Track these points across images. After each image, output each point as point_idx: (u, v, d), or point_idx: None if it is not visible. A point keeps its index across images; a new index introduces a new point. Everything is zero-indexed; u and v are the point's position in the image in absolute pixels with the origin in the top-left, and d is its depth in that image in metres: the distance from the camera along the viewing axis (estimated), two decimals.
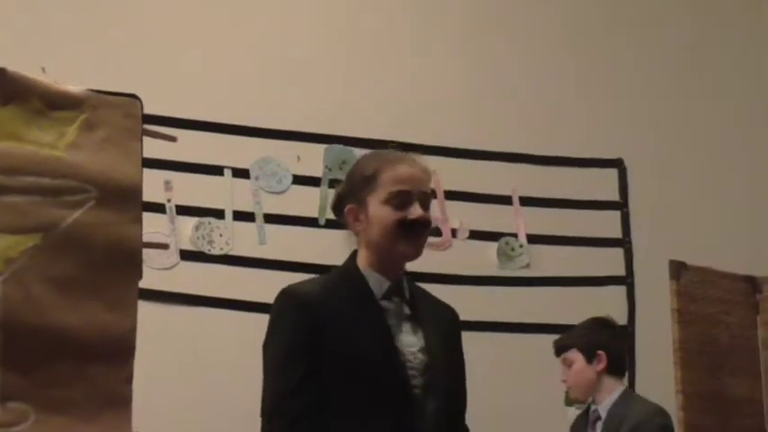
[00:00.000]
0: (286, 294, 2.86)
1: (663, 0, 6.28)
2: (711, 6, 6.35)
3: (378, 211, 2.87)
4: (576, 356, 4.31)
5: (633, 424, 4.15)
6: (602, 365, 4.29)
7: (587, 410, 4.37)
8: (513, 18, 6.03)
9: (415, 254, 2.90)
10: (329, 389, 2.74)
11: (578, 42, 6.08)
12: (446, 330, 2.98)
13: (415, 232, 2.86)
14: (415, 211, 2.85)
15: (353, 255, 2.96)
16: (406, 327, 2.88)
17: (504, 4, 6.05)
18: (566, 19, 6.10)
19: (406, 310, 2.91)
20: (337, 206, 3.00)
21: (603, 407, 4.26)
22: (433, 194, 2.94)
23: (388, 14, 5.83)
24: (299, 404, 2.72)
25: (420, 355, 2.84)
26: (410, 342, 2.85)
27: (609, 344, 4.32)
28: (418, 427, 2.78)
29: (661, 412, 4.23)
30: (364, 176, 2.92)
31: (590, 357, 4.29)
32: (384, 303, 2.88)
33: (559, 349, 4.37)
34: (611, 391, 4.28)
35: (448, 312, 3.09)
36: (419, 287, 3.02)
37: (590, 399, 4.34)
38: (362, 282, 2.89)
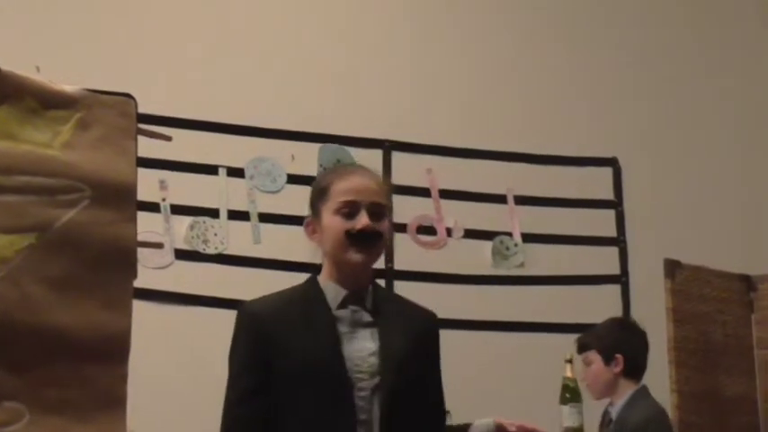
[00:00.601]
0: (240, 310, 3.03)
1: (660, 1, 6.28)
2: (708, 5, 6.35)
3: (329, 221, 3.00)
4: (594, 357, 4.33)
5: (635, 425, 4.18)
6: (619, 368, 4.30)
7: (604, 412, 4.40)
8: (509, 18, 6.04)
9: (365, 262, 3.01)
10: (277, 396, 2.90)
11: (573, 41, 6.08)
12: (417, 335, 3.06)
13: (363, 241, 2.97)
14: (362, 220, 2.97)
15: (318, 269, 3.10)
16: (363, 333, 2.99)
17: (500, 3, 6.05)
18: (561, 18, 6.10)
19: (366, 318, 3.01)
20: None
21: (616, 409, 4.28)
22: (385, 208, 3.04)
23: (383, 14, 5.84)
24: (245, 413, 2.92)
25: (371, 359, 2.94)
26: (362, 347, 2.96)
27: (627, 347, 4.34)
28: (361, 428, 2.89)
29: (656, 419, 4.26)
30: (319, 189, 3.08)
31: (608, 359, 4.31)
32: (339, 312, 3.00)
33: (581, 348, 4.39)
34: (624, 393, 4.29)
35: (424, 318, 3.17)
36: (394, 294, 3.24)
37: (607, 399, 4.37)
38: (317, 293, 3.03)
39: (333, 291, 3.02)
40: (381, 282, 5.29)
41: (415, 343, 3.03)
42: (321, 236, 3.04)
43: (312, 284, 3.07)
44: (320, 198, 3.05)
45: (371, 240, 2.99)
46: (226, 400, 2.95)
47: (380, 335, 2.99)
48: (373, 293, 3.07)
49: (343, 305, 3.01)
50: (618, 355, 4.30)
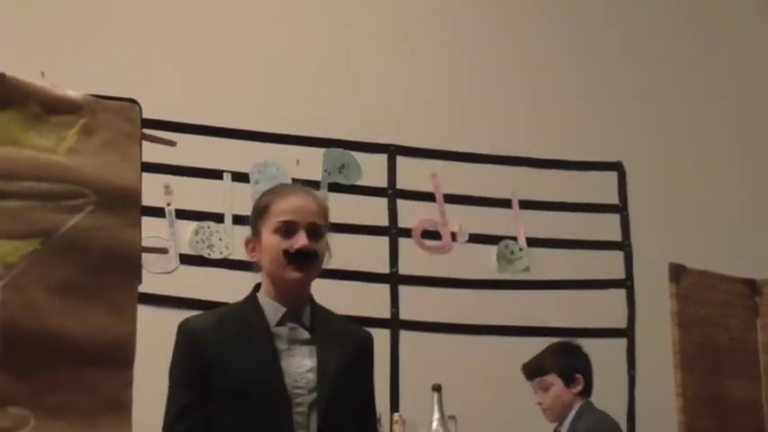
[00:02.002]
0: (180, 327, 3.11)
1: (663, 3, 6.28)
2: (711, 8, 6.35)
3: (267, 240, 3.10)
4: (554, 380, 4.38)
5: None
6: (578, 388, 4.37)
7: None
8: (513, 22, 6.04)
9: (302, 280, 3.09)
10: (215, 413, 2.98)
11: (577, 45, 6.08)
12: (353, 354, 3.14)
13: (300, 260, 3.05)
14: (300, 240, 3.05)
15: (257, 286, 3.19)
16: (301, 350, 3.06)
17: (502, 8, 6.05)
18: (565, 22, 6.10)
19: (304, 335, 3.09)
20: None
21: (565, 426, 4.33)
22: (323, 228, 3.14)
23: (387, 18, 5.84)
24: (182, 428, 2.98)
25: (309, 375, 3.02)
26: (300, 364, 3.03)
27: (583, 366, 4.43)
28: None
29: (610, 427, 4.30)
30: (259, 208, 3.18)
31: (568, 381, 4.36)
32: (277, 329, 3.07)
33: (536, 373, 4.42)
34: (574, 409, 4.34)
35: (359, 337, 3.25)
36: (332, 314, 3.22)
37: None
38: (256, 310, 3.11)
39: (271, 308, 3.10)
40: (386, 287, 5.34)
41: (350, 360, 3.11)
42: (260, 254, 3.14)
43: (251, 301, 3.15)
44: (260, 217, 3.14)
45: (308, 259, 3.06)
46: (165, 417, 3.02)
47: (318, 352, 3.06)
48: (311, 311, 3.14)
49: (281, 322, 3.08)
50: (578, 376, 4.36)
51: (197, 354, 3.01)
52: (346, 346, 3.13)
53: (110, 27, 5.27)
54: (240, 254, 5.17)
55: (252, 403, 2.95)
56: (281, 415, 2.96)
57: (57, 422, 2.50)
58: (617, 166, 5.93)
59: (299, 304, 3.12)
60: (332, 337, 3.12)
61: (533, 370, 4.44)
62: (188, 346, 3.05)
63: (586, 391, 4.39)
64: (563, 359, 4.42)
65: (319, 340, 3.09)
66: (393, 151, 5.58)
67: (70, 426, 2.51)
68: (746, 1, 6.42)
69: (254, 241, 3.17)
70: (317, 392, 3.00)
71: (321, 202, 3.20)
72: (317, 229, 3.10)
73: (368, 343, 3.26)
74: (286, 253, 3.05)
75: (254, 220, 3.18)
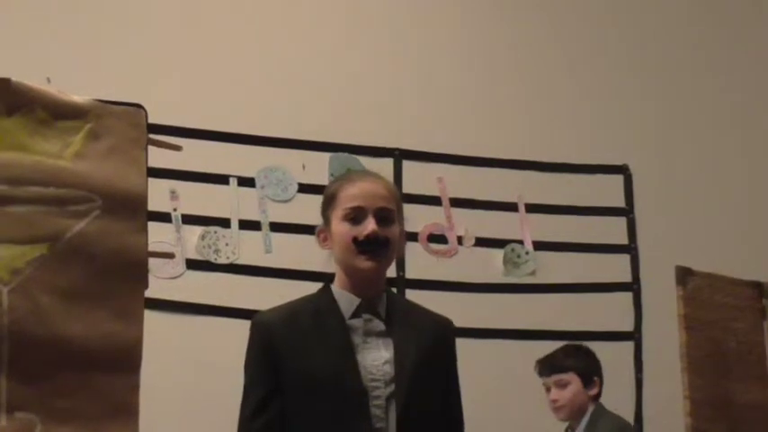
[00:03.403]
0: (252, 322, 3.02)
1: (669, 5, 6.27)
2: (718, 10, 6.34)
3: (337, 228, 3.00)
4: (572, 379, 4.37)
5: None
6: (595, 391, 4.38)
7: None
8: (519, 25, 6.03)
9: (374, 269, 2.99)
10: (291, 407, 2.91)
11: (583, 49, 6.08)
12: (432, 343, 3.05)
13: (370, 248, 2.95)
14: (369, 226, 2.95)
15: (331, 277, 3.08)
16: (376, 342, 2.98)
17: (508, 12, 6.05)
18: (571, 27, 6.10)
19: (380, 327, 3.00)
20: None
21: (580, 429, 4.32)
22: (394, 213, 3.03)
23: (393, 23, 5.84)
24: (260, 424, 2.91)
25: (385, 368, 2.94)
26: (376, 356, 2.95)
27: (599, 371, 4.41)
28: None
29: (625, 428, 4.31)
30: (328, 196, 3.07)
31: (586, 382, 4.37)
32: (352, 321, 2.99)
33: (555, 369, 4.41)
34: (588, 412, 4.34)
35: (439, 326, 3.16)
36: (409, 302, 3.22)
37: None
38: (330, 302, 3.02)
39: (346, 299, 3.01)
40: (393, 290, 5.33)
41: (429, 350, 3.02)
42: (331, 244, 3.03)
43: (325, 293, 3.05)
44: (329, 205, 3.04)
45: (379, 246, 2.96)
46: (241, 412, 2.96)
47: (395, 343, 2.97)
48: (387, 301, 3.05)
49: (356, 314, 3.00)
50: (596, 379, 4.37)
51: (270, 348, 2.95)
52: (425, 336, 3.04)
53: (116, 32, 5.27)
54: (247, 258, 5.22)
55: (328, 397, 2.88)
56: (359, 408, 2.89)
57: (64, 427, 2.50)
58: (623, 170, 5.93)
59: (373, 294, 3.02)
60: (409, 327, 3.03)
61: (552, 366, 4.43)
62: (261, 340, 2.98)
63: (599, 396, 4.40)
64: (583, 360, 4.43)
65: (396, 331, 3.00)
66: (399, 155, 5.58)
67: (77, 430, 2.52)
68: (754, 4, 6.41)
69: (324, 231, 3.06)
70: (395, 384, 2.92)
71: (391, 186, 3.10)
72: (388, 215, 3.00)
73: (448, 331, 3.17)
74: (355, 240, 2.95)
75: (324, 208, 3.08)
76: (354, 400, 2.89)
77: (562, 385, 4.38)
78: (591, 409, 4.35)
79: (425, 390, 2.97)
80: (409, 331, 3.02)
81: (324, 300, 3.04)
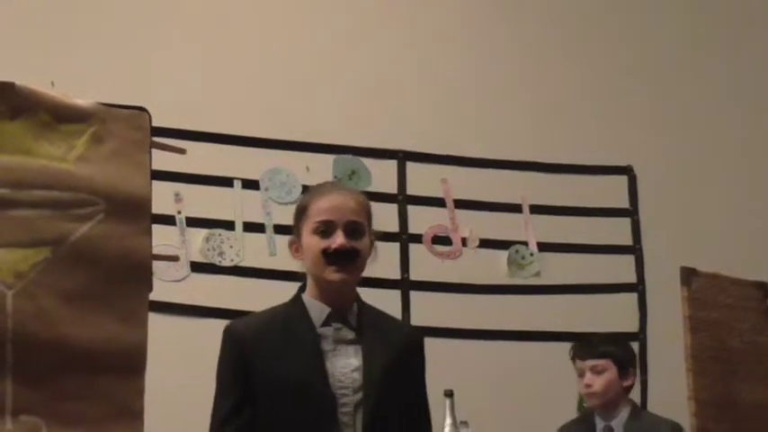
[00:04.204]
0: (225, 331, 3.09)
1: (672, 6, 6.27)
2: (722, 11, 6.33)
3: (307, 240, 3.08)
4: (609, 366, 4.29)
5: None
6: (630, 382, 4.31)
7: (586, 421, 4.36)
8: (522, 27, 6.03)
9: (343, 280, 3.06)
10: (262, 414, 2.97)
11: (586, 50, 6.07)
12: (401, 352, 3.12)
13: (340, 260, 3.03)
14: (337, 239, 3.03)
15: (302, 286, 3.16)
16: (346, 350, 3.05)
17: (511, 13, 6.04)
18: (573, 26, 6.09)
19: (350, 335, 3.07)
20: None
21: (617, 423, 4.25)
22: (363, 226, 3.11)
23: (397, 25, 5.84)
24: (230, 431, 2.97)
25: (354, 375, 3.00)
26: (345, 364, 3.02)
27: (635, 364, 4.36)
28: None
29: (679, 428, 4.26)
30: (299, 209, 3.16)
31: (622, 372, 4.30)
32: (323, 330, 3.05)
33: (594, 355, 4.33)
34: (623, 407, 4.28)
35: (407, 335, 3.25)
36: (379, 312, 3.20)
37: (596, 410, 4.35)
38: (301, 311, 3.09)
39: (317, 308, 3.08)
40: (397, 292, 5.34)
41: (398, 360, 3.09)
42: (302, 255, 3.12)
43: (297, 302, 3.13)
44: (300, 218, 3.12)
45: (348, 259, 3.04)
46: (212, 419, 3.02)
47: (364, 351, 3.04)
48: (358, 311, 3.12)
49: (326, 323, 3.07)
50: (632, 370, 4.32)
51: (242, 356, 3.01)
52: (393, 346, 3.10)
53: (119, 35, 5.28)
54: (251, 261, 5.22)
55: (297, 404, 2.94)
56: (327, 415, 2.95)
57: (68, 430, 2.50)
58: (627, 170, 5.92)
59: (344, 304, 3.10)
60: (378, 336, 3.09)
61: (590, 351, 4.33)
62: (233, 348, 3.04)
63: (631, 389, 4.34)
64: (622, 350, 4.36)
65: (365, 340, 3.06)
66: (403, 157, 5.58)
67: None
68: (756, 4, 6.41)
69: (296, 242, 3.14)
70: (363, 392, 2.98)
71: (361, 199, 3.17)
72: (357, 227, 3.08)
73: (415, 341, 3.23)
74: (325, 253, 3.02)
75: (295, 221, 3.16)
76: (323, 406, 2.95)
77: (598, 371, 4.27)
78: (626, 404, 4.29)
79: (393, 398, 3.03)
80: (378, 340, 3.08)
81: (295, 309, 3.11)
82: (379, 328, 3.13)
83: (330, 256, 3.02)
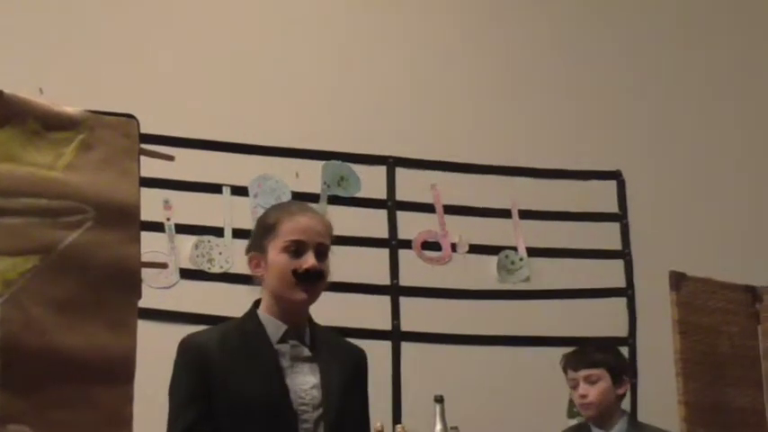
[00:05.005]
0: (181, 345, 3.13)
1: (659, 10, 6.28)
2: (711, 15, 6.35)
3: (275, 258, 3.12)
4: (603, 375, 4.25)
5: None
6: (623, 390, 4.28)
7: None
8: (509, 32, 6.04)
9: (308, 301, 3.14)
10: (222, 428, 2.98)
11: (575, 55, 6.09)
12: (351, 372, 3.19)
13: (307, 281, 3.08)
14: (309, 260, 3.08)
15: (257, 302, 3.22)
16: (303, 367, 3.10)
17: (500, 17, 6.05)
18: (561, 31, 6.11)
19: (305, 353, 3.13)
20: (246, 253, 3.27)
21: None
22: (328, 249, 3.20)
23: (384, 30, 5.84)
24: None
25: (313, 392, 3.07)
26: (304, 381, 3.07)
27: (628, 371, 4.34)
28: None
29: None
30: (266, 225, 3.19)
31: (616, 380, 4.27)
32: (279, 347, 3.11)
33: (587, 364, 4.30)
34: (621, 416, 4.27)
35: (355, 356, 3.31)
36: (329, 331, 3.27)
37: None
38: (258, 327, 3.13)
39: (273, 325, 3.13)
40: (387, 298, 5.34)
41: (350, 377, 3.17)
42: (265, 271, 3.16)
43: (252, 318, 3.18)
44: (267, 234, 3.16)
45: (316, 280, 3.10)
46: None
47: (320, 369, 3.10)
48: (310, 329, 3.18)
49: (282, 340, 3.12)
50: (625, 378, 4.30)
51: (200, 370, 3.02)
52: (346, 363, 3.18)
53: (108, 42, 5.28)
54: (241, 268, 5.19)
55: (258, 420, 2.96)
56: (288, 431, 2.98)
57: None
58: (616, 175, 5.93)
59: (300, 322, 3.15)
60: (332, 354, 3.16)
61: (583, 360, 4.30)
62: (192, 362, 3.05)
63: (624, 397, 4.32)
64: (615, 358, 4.34)
65: (321, 357, 3.12)
66: (392, 163, 5.59)
67: None
68: (748, 6, 6.42)
69: (258, 257, 3.19)
70: (323, 408, 3.04)
71: (327, 222, 3.23)
72: (324, 250, 3.15)
73: (364, 361, 3.31)
74: (295, 273, 3.07)
75: (260, 235, 3.20)
76: (285, 423, 2.99)
77: (592, 381, 4.24)
78: (622, 413, 4.28)
79: (348, 413, 3.10)
80: (332, 358, 3.15)
81: (251, 324, 3.16)
82: (331, 347, 3.20)
83: (300, 277, 3.07)
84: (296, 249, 3.09)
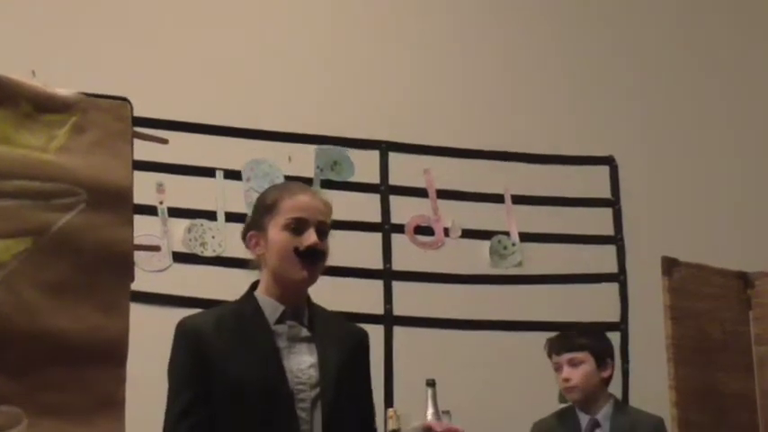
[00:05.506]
0: (178, 327, 3.11)
1: None
2: (703, 3, 6.35)
3: (276, 236, 3.09)
4: (586, 358, 4.25)
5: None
6: (608, 373, 4.27)
7: (567, 416, 4.34)
8: (504, 17, 6.04)
9: (308, 280, 3.12)
10: (219, 411, 2.97)
11: (568, 40, 6.08)
12: (351, 351, 3.17)
13: (308, 259, 3.07)
14: (311, 237, 3.06)
15: (254, 284, 3.19)
16: (301, 347, 3.09)
17: (495, 4, 6.05)
18: (557, 17, 6.10)
19: (304, 333, 3.11)
20: (244, 234, 3.24)
21: (603, 416, 4.22)
22: (329, 228, 3.18)
23: (378, 14, 5.84)
24: (186, 426, 2.97)
25: (310, 371, 3.05)
26: (301, 361, 3.06)
27: (613, 354, 4.33)
28: None
29: (663, 422, 4.25)
30: (266, 204, 3.16)
31: (600, 363, 4.26)
32: (277, 327, 3.09)
33: (570, 348, 4.30)
34: (607, 400, 4.27)
35: (357, 334, 3.30)
36: (328, 312, 3.24)
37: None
38: (255, 308, 3.11)
39: (270, 306, 3.11)
40: (380, 282, 5.35)
41: (349, 357, 3.14)
42: (265, 250, 3.13)
43: (249, 300, 3.15)
44: (267, 213, 3.13)
45: (317, 258, 3.09)
46: (166, 416, 3.03)
47: (318, 349, 3.09)
48: (309, 309, 3.16)
49: (280, 320, 3.10)
50: (609, 360, 4.29)
51: (198, 352, 3.01)
52: (345, 344, 3.15)
53: (101, 25, 5.27)
54: (233, 251, 5.20)
55: (254, 401, 2.96)
56: (285, 411, 2.97)
57: (50, 420, 2.49)
58: (609, 161, 5.94)
59: (298, 303, 3.13)
60: (330, 334, 3.14)
61: (566, 344, 4.29)
62: (188, 345, 3.04)
63: (610, 381, 4.29)
64: (598, 341, 4.31)
65: (318, 337, 3.10)
66: (385, 147, 5.59)
67: (63, 423, 2.51)
68: None
69: (257, 236, 3.16)
70: (320, 387, 3.02)
71: (327, 201, 3.22)
72: (325, 229, 3.13)
73: (364, 340, 3.29)
74: (296, 250, 3.05)
75: (259, 214, 3.17)
76: (281, 402, 2.98)
77: (575, 364, 4.23)
78: (608, 396, 4.27)
79: (347, 393, 3.08)
80: (331, 338, 3.13)
81: (248, 306, 3.13)
82: (330, 327, 3.17)
83: (301, 255, 3.05)
84: (297, 227, 3.07)
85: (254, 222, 3.19)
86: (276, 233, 3.09)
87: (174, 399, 3.02)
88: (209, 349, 3.00)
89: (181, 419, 2.98)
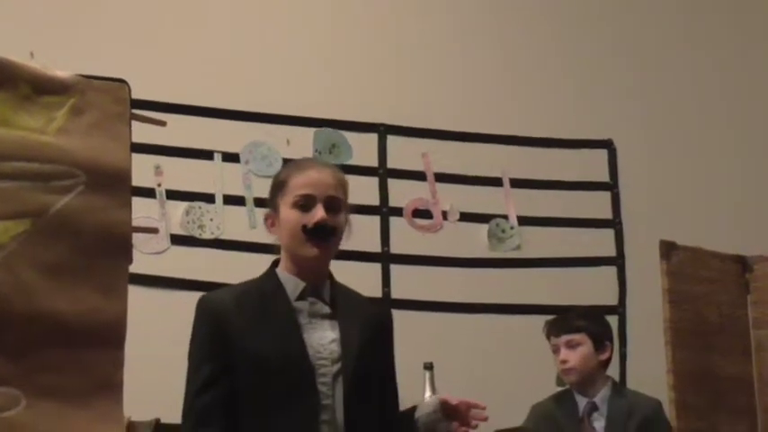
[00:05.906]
0: (199, 303, 3.07)
1: None
2: None
3: (286, 214, 3.08)
4: (584, 340, 4.24)
5: (642, 418, 4.15)
6: (606, 355, 4.26)
7: (564, 399, 4.34)
8: (502, 2, 6.02)
9: (319, 256, 3.08)
10: (241, 386, 2.95)
11: (567, 23, 6.07)
12: (373, 329, 3.15)
13: (317, 236, 3.04)
14: (318, 214, 3.03)
15: (276, 262, 3.17)
16: (322, 324, 3.06)
17: None
18: (554, 1, 6.09)
19: (325, 309, 3.09)
20: (266, 216, 3.21)
21: (601, 399, 4.22)
22: (341, 202, 3.12)
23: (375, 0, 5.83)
24: (205, 403, 2.95)
25: (332, 346, 3.02)
26: (322, 336, 3.03)
27: (611, 337, 4.32)
28: (325, 413, 2.95)
29: (661, 405, 4.25)
30: (277, 183, 3.15)
31: (598, 346, 4.26)
32: (297, 304, 3.07)
33: (568, 329, 4.30)
34: (605, 382, 4.27)
35: (379, 312, 3.30)
36: (350, 290, 3.23)
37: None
38: (275, 285, 3.09)
39: (291, 283, 3.09)
40: (378, 266, 5.35)
41: (371, 334, 3.12)
42: (279, 229, 3.11)
43: (271, 277, 3.13)
44: (278, 192, 3.12)
45: (326, 234, 3.05)
46: (187, 391, 3.00)
47: (340, 325, 3.07)
48: (331, 287, 3.14)
49: (301, 297, 3.08)
50: (607, 343, 4.28)
51: (218, 329, 2.99)
52: (367, 321, 3.13)
53: (99, 7, 5.25)
54: (231, 234, 5.21)
55: (275, 375, 2.94)
56: (306, 386, 2.95)
57: (48, 402, 2.50)
58: (607, 144, 5.93)
59: (318, 279, 3.11)
60: (352, 311, 3.12)
61: (564, 326, 4.29)
62: (209, 321, 3.02)
63: (608, 363, 4.28)
64: (596, 323, 4.31)
65: (340, 314, 3.09)
66: (383, 131, 5.58)
67: (62, 405, 2.52)
68: None
69: (272, 216, 3.14)
70: (342, 362, 3.00)
71: (339, 175, 3.17)
72: (336, 203, 3.08)
73: (388, 320, 3.27)
74: (304, 228, 3.03)
75: (272, 194, 3.16)
76: (302, 377, 2.95)
77: (572, 346, 4.23)
78: (605, 379, 4.27)
79: (368, 369, 3.05)
80: (353, 315, 3.11)
81: (269, 283, 3.12)
82: (352, 305, 3.16)
83: (309, 232, 3.03)
84: (305, 204, 3.04)
85: (270, 202, 3.18)
86: (286, 212, 3.07)
87: (195, 373, 2.99)
88: (228, 326, 2.98)
89: (201, 393, 2.95)
